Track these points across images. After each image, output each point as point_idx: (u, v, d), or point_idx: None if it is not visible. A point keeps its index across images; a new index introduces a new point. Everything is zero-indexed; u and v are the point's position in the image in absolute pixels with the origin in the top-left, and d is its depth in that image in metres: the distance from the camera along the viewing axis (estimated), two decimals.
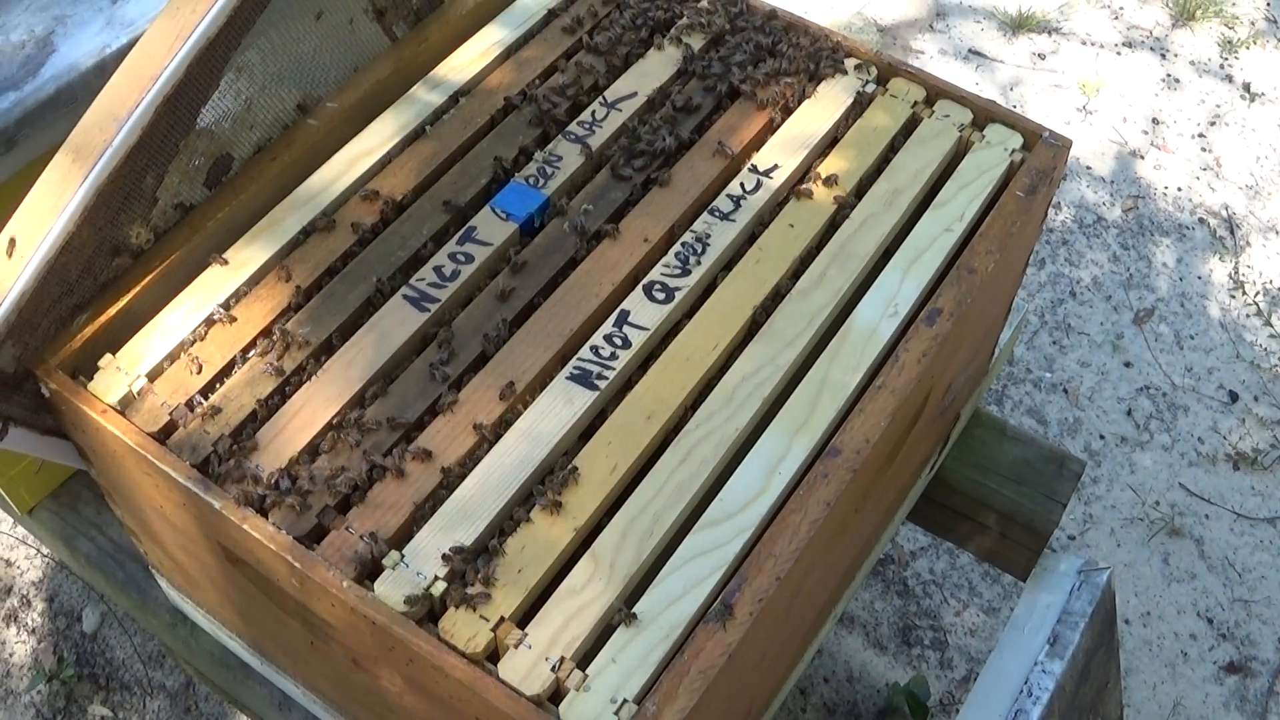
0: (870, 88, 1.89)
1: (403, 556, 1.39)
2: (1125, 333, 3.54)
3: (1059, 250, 3.70)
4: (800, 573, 1.46)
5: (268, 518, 1.43)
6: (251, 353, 1.59)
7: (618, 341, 1.59)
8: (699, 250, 1.68)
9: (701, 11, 1.98)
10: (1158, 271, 3.68)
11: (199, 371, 1.57)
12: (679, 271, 1.66)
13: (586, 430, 1.53)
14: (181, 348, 1.59)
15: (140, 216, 1.66)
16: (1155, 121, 4.07)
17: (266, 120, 1.80)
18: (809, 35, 1.94)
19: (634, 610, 1.35)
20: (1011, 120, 1.85)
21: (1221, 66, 4.25)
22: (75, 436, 1.67)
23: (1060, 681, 2.04)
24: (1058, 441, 3.28)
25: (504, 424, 1.52)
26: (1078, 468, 2.33)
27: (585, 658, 1.33)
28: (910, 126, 1.86)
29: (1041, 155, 1.80)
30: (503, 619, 1.35)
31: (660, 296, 1.63)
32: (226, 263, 1.65)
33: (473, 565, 1.39)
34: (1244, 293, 3.64)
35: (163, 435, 1.52)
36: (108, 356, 1.58)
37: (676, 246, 1.69)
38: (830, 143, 1.84)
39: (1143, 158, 3.96)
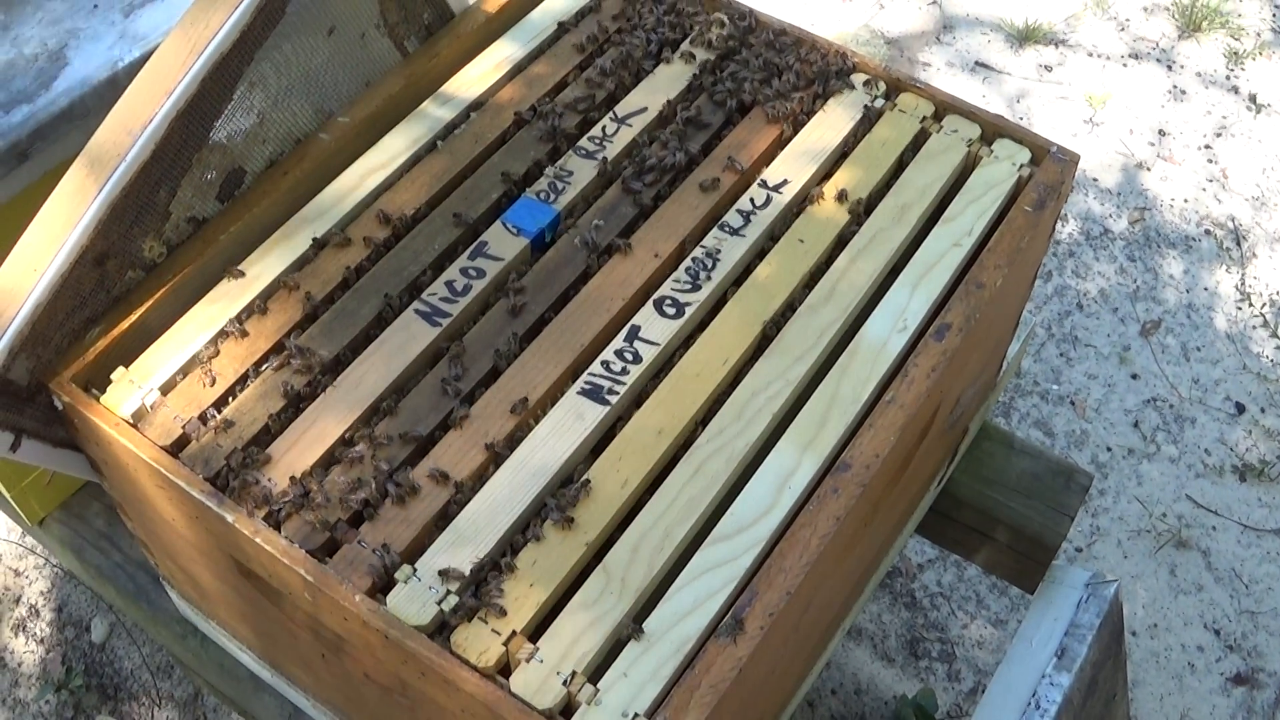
0: (879, 103, 1.90)
1: (415, 570, 1.40)
2: (1132, 344, 3.54)
3: (1066, 262, 3.71)
4: (810, 587, 1.46)
5: (280, 531, 1.44)
6: (264, 367, 1.60)
7: (629, 356, 1.59)
8: (709, 265, 1.69)
9: (711, 27, 1.99)
10: (1164, 283, 3.68)
11: (212, 385, 1.57)
12: (689, 287, 1.67)
13: (598, 445, 1.53)
14: (194, 361, 1.60)
15: (153, 230, 1.67)
16: (1161, 133, 4.08)
17: (279, 134, 1.81)
18: (818, 50, 1.95)
19: (644, 624, 1.36)
20: (1019, 135, 1.85)
21: (1227, 78, 4.25)
22: (87, 449, 1.68)
23: (1068, 694, 2.05)
24: (1065, 454, 3.28)
25: (516, 439, 1.52)
26: (1086, 481, 2.33)
27: (597, 672, 1.34)
28: (919, 141, 1.87)
29: (1049, 170, 1.81)
30: (514, 633, 1.35)
31: (671, 311, 1.64)
32: (244, 275, 1.66)
33: (485, 579, 1.39)
34: (1250, 304, 3.65)
35: (176, 448, 1.52)
36: (120, 369, 1.59)
37: (687, 262, 1.70)
38: (840, 158, 1.84)
39: (1149, 169, 3.97)
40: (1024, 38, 4.31)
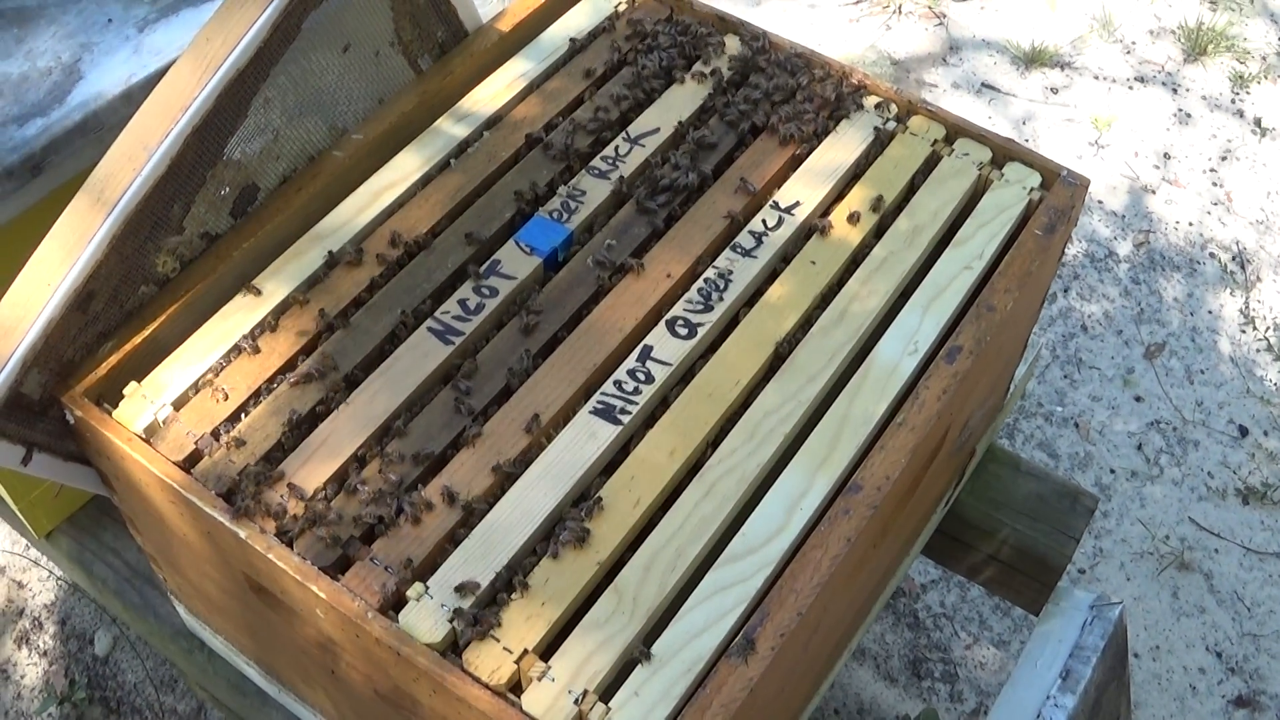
0: (890, 125, 1.90)
1: (427, 588, 1.40)
2: (1136, 367, 3.55)
3: (1071, 284, 3.71)
4: (821, 607, 1.47)
5: (293, 547, 1.44)
6: (276, 383, 1.61)
7: (641, 376, 1.60)
8: (721, 286, 1.70)
9: (724, 48, 2.00)
10: (1169, 306, 3.69)
11: (224, 401, 1.58)
12: (701, 307, 1.67)
13: (610, 464, 1.54)
14: (207, 377, 1.61)
15: (167, 246, 1.67)
16: (1167, 156, 4.09)
17: (292, 151, 1.81)
18: (830, 73, 1.96)
19: (654, 645, 1.36)
20: (1030, 159, 1.86)
21: (1233, 101, 4.26)
22: (99, 463, 1.68)
23: (1072, 715, 2.05)
24: (1069, 476, 3.29)
25: (528, 457, 1.53)
26: (1091, 503, 2.34)
27: (608, 691, 1.34)
28: (930, 164, 1.87)
29: (1060, 194, 1.82)
30: (526, 651, 1.36)
31: (683, 332, 1.65)
32: (260, 293, 1.67)
33: (497, 597, 1.40)
34: (1254, 328, 3.65)
35: (188, 464, 1.53)
36: (133, 385, 1.59)
37: (699, 282, 1.70)
38: (851, 180, 1.85)
39: (1154, 192, 3.98)
40: (1030, 60, 4.32)
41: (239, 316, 1.66)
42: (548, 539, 1.46)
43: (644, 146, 1.86)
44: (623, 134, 1.88)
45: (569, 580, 1.42)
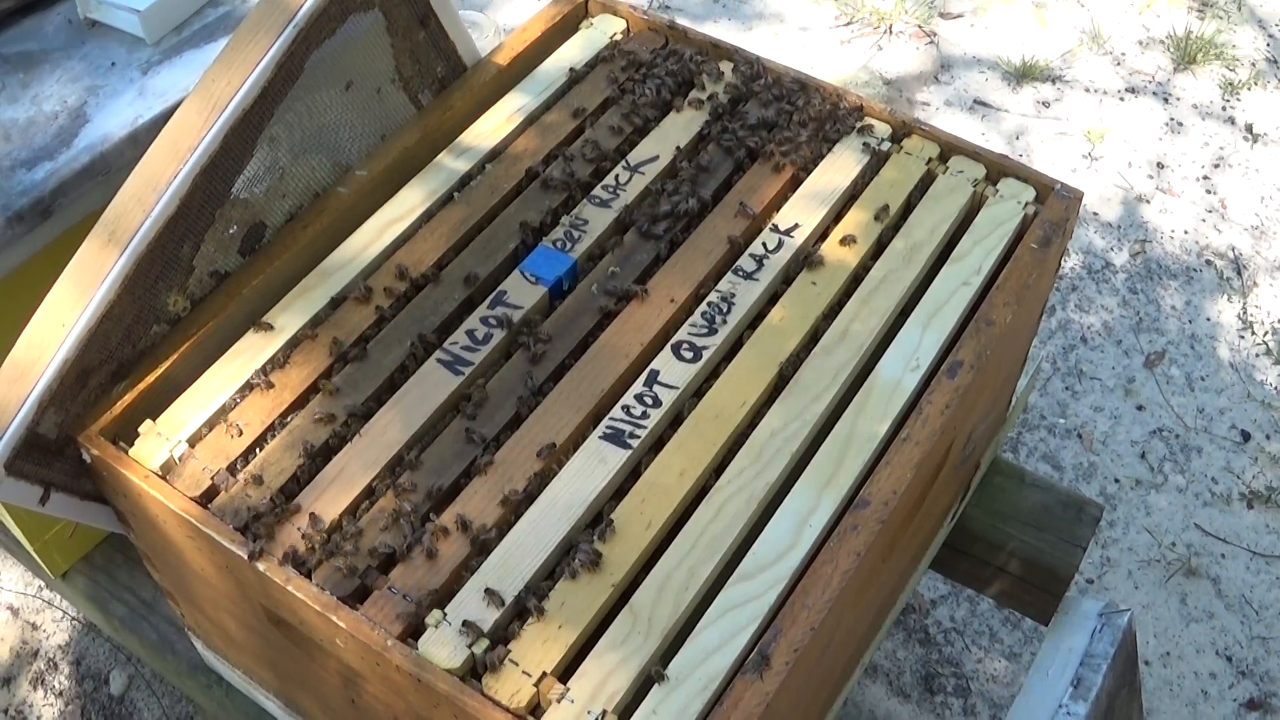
0: (885, 145, 1.93)
1: (445, 615, 1.42)
2: (1137, 376, 3.57)
3: (1069, 296, 3.74)
4: (832, 622, 1.49)
5: (311, 578, 1.46)
6: (290, 418, 1.63)
7: (649, 400, 1.62)
8: (724, 309, 1.72)
9: (720, 75, 2.02)
10: (1167, 314, 3.71)
11: (239, 436, 1.60)
12: (706, 331, 1.70)
13: (620, 488, 1.56)
14: (221, 413, 1.63)
15: (177, 285, 1.70)
16: (1160, 165, 4.11)
17: (298, 188, 1.84)
18: (825, 96, 1.99)
19: (670, 664, 1.38)
20: (1024, 174, 1.89)
21: (1224, 109, 4.29)
22: (115, 501, 1.70)
23: None
24: (1073, 486, 3.30)
25: (540, 483, 1.55)
26: (1096, 512, 2.35)
27: (626, 710, 1.36)
28: (925, 183, 1.90)
29: (1054, 208, 1.84)
30: (545, 674, 1.37)
31: (688, 355, 1.67)
32: (270, 329, 1.69)
33: (513, 622, 1.42)
34: (1253, 332, 3.67)
35: (205, 499, 1.55)
36: (148, 423, 1.61)
37: (703, 306, 1.73)
38: (849, 200, 1.88)
39: (1148, 202, 4.00)
40: (1021, 75, 4.35)
41: (250, 353, 1.68)
42: (562, 563, 1.48)
43: (644, 174, 1.88)
44: (623, 163, 1.91)
45: (584, 603, 1.44)
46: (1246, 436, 3.44)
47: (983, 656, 3.01)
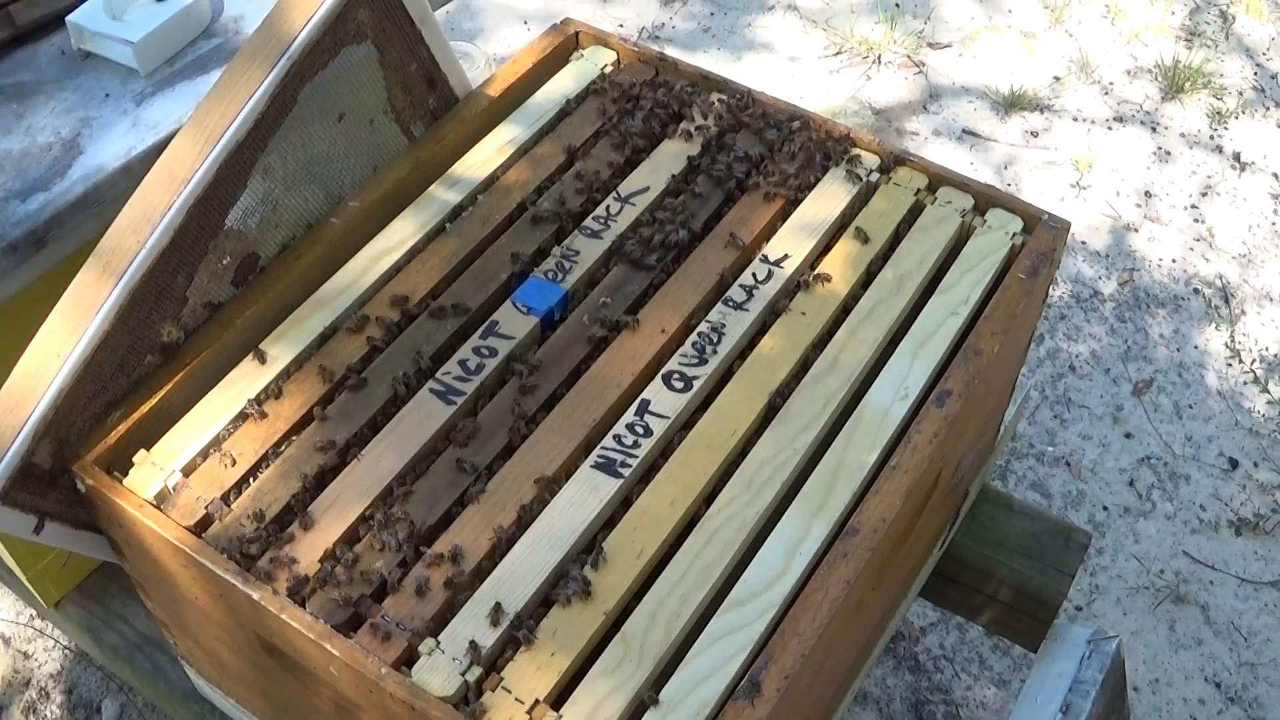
0: (874, 176, 1.95)
1: (439, 643, 1.43)
2: (1125, 404, 3.58)
3: (1057, 325, 3.76)
4: (823, 649, 1.50)
5: (305, 607, 1.47)
6: (284, 447, 1.64)
7: (640, 430, 1.63)
8: (715, 340, 1.73)
9: (710, 106, 2.04)
10: (1155, 343, 3.73)
11: (232, 466, 1.61)
12: (696, 361, 1.71)
13: (612, 517, 1.57)
14: (215, 443, 1.64)
15: (171, 315, 1.70)
16: (1148, 194, 4.14)
17: (291, 219, 1.85)
18: (813, 127, 2.00)
19: (663, 691, 1.39)
20: (1012, 204, 1.90)
21: (1211, 137, 4.32)
22: (110, 530, 1.71)
23: None
24: (1062, 514, 3.32)
25: (532, 513, 1.56)
26: (1085, 539, 2.37)
27: None
28: (914, 213, 1.92)
29: (1042, 238, 1.86)
30: (538, 701, 1.38)
31: (679, 385, 1.68)
32: (264, 359, 1.70)
33: (506, 649, 1.43)
34: (1240, 361, 3.69)
35: (199, 528, 1.56)
36: (142, 452, 1.62)
37: (693, 336, 1.74)
38: (838, 231, 1.89)
39: (1136, 231, 4.03)
40: (1009, 105, 4.38)
41: (244, 383, 1.69)
42: (555, 591, 1.49)
43: (634, 205, 1.90)
44: (613, 194, 1.92)
45: (577, 630, 1.45)
46: (1234, 464, 3.46)
47: (972, 683, 3.02)
